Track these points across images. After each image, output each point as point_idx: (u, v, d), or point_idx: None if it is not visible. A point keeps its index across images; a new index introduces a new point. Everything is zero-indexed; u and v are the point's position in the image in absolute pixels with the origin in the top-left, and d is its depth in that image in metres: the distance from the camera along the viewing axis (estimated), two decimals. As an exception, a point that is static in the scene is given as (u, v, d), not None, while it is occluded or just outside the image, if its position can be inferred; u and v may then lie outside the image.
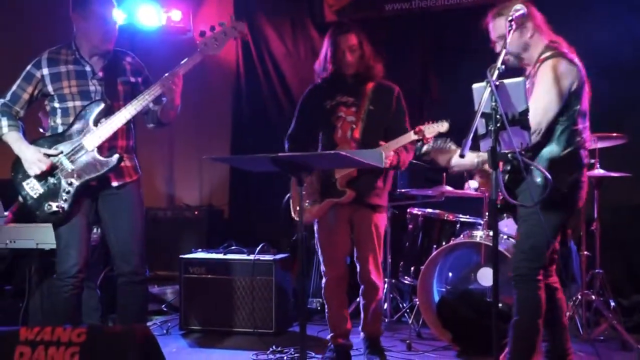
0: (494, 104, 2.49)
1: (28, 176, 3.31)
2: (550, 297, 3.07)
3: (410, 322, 4.60)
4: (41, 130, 4.45)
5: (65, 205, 3.29)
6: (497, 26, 3.02)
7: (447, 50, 5.49)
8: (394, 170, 3.94)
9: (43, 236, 4.06)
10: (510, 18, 2.79)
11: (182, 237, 5.85)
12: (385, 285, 4.77)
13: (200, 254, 4.88)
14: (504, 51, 2.66)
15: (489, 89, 2.49)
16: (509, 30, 2.75)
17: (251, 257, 4.65)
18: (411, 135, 3.66)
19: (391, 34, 5.70)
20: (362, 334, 3.91)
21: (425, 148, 3.04)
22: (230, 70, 6.31)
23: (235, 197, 6.31)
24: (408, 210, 4.89)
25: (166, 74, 3.35)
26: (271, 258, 4.64)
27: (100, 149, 3.31)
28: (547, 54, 2.94)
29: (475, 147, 2.62)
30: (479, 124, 2.55)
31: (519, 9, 2.85)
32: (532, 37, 3.00)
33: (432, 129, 3.62)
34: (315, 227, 3.86)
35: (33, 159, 3.27)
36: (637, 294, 4.87)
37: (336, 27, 3.92)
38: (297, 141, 3.88)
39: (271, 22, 6.15)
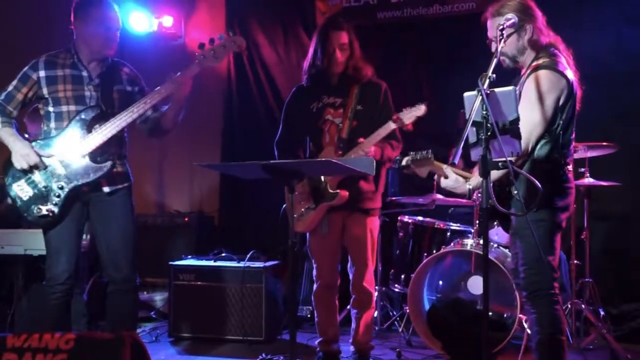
0: (484, 112, 2.48)
1: (19, 178, 3.29)
2: None
3: (400, 330, 4.59)
4: (26, 135, 4.42)
5: (56, 209, 3.27)
6: (495, 25, 2.86)
7: (439, 59, 5.50)
8: (385, 174, 3.89)
9: (31, 242, 4.04)
10: (501, 27, 2.71)
11: (172, 243, 5.81)
12: (376, 293, 4.76)
13: (190, 261, 4.86)
14: (494, 60, 2.61)
15: (480, 98, 2.48)
16: (500, 39, 2.69)
17: (241, 264, 4.63)
18: (390, 125, 3.60)
19: (383, 42, 5.70)
20: (351, 347, 3.84)
21: (404, 161, 2.98)
22: (221, 76, 6.29)
23: (226, 204, 6.28)
24: (399, 218, 4.89)
25: (158, 87, 3.34)
26: (261, 265, 4.62)
27: (93, 155, 3.30)
28: (539, 61, 2.84)
29: (465, 155, 2.61)
30: (470, 133, 2.55)
31: (511, 17, 2.79)
32: (530, 39, 2.89)
33: (410, 115, 3.57)
34: (307, 235, 3.83)
35: (22, 152, 3.25)
36: (627, 303, 4.87)
37: (328, 22, 3.84)
38: (287, 147, 3.81)
39: (263, 28, 6.14)
